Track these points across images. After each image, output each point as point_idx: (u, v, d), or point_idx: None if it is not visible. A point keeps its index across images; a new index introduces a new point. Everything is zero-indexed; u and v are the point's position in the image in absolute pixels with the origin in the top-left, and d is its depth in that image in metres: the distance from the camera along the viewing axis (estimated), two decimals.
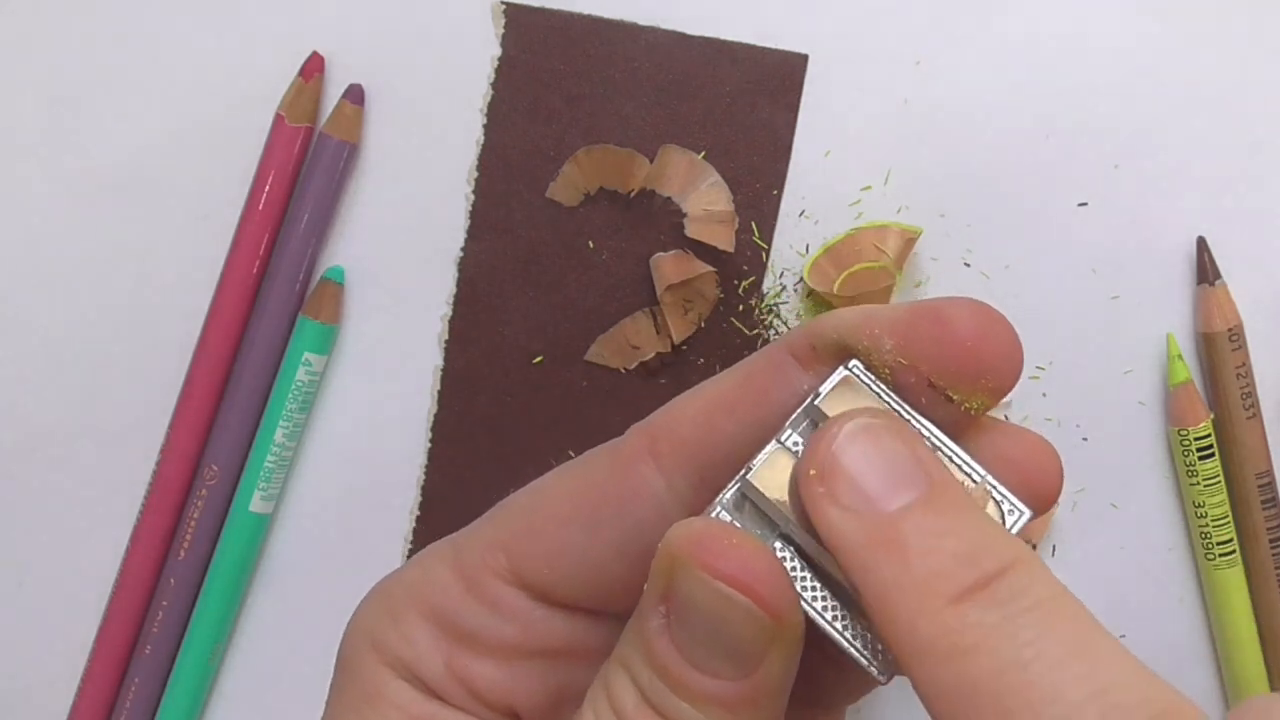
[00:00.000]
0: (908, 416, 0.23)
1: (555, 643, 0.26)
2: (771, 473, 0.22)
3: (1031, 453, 0.24)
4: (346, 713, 0.26)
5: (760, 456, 0.22)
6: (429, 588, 0.26)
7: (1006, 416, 0.44)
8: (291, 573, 0.45)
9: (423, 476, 0.45)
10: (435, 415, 0.45)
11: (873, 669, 0.22)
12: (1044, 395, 0.44)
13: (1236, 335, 0.43)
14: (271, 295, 0.43)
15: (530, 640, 0.26)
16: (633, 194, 0.44)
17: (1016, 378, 0.23)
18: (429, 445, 0.45)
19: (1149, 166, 0.44)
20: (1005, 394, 0.23)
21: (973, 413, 0.23)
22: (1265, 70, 0.43)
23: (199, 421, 0.44)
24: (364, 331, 0.45)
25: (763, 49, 0.44)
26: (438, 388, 0.45)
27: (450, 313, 0.44)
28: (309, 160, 0.44)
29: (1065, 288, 0.44)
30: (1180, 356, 0.43)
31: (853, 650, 0.22)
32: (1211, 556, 0.43)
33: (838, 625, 0.22)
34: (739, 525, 0.23)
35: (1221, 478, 0.43)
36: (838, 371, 0.23)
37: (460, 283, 0.44)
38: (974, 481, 0.23)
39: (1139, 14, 0.44)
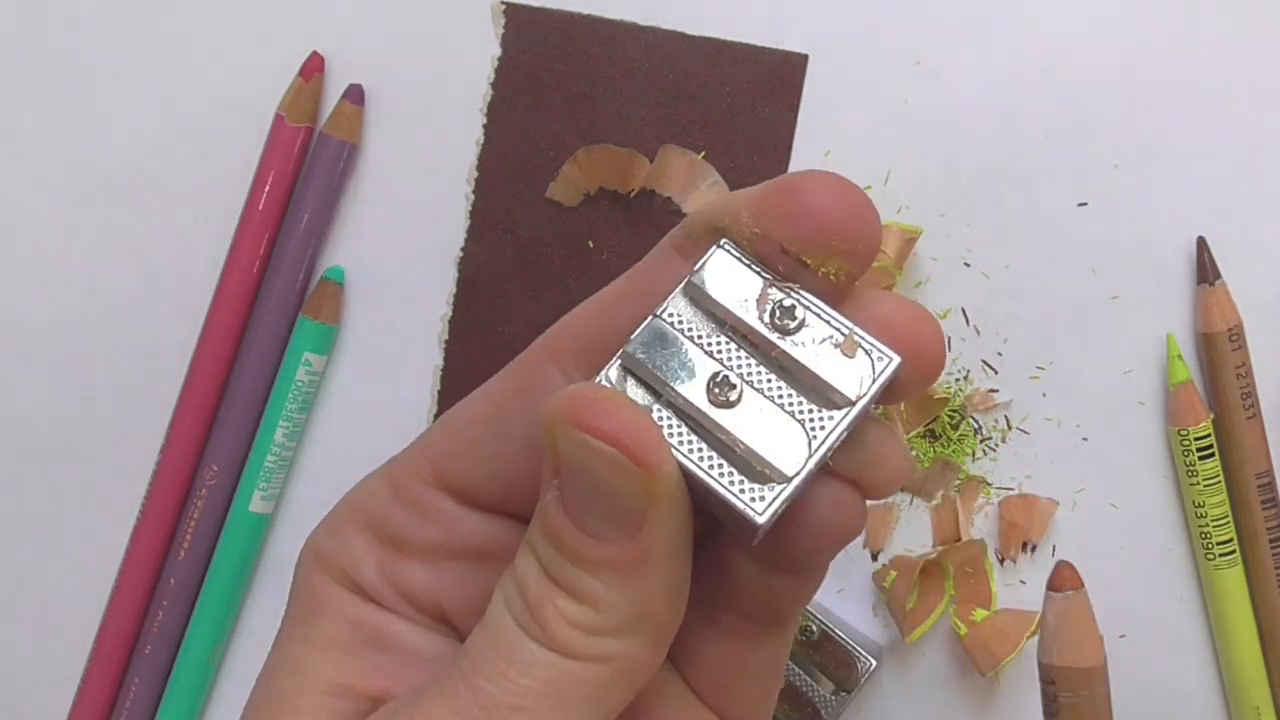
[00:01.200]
0: (776, 281, 0.24)
1: (479, 543, 0.27)
2: None
3: (907, 315, 0.24)
4: (292, 624, 0.27)
5: (639, 330, 0.24)
6: (364, 500, 0.28)
7: (1007, 417, 0.44)
8: (291, 573, 0.45)
9: None
10: (435, 415, 0.45)
11: (749, 512, 0.23)
12: (1044, 395, 0.44)
13: (1236, 335, 0.43)
14: (271, 295, 0.43)
15: (454, 540, 0.27)
16: (633, 194, 0.44)
17: (871, 241, 0.23)
18: None
19: (1149, 166, 0.44)
20: (864, 259, 0.24)
21: (833, 278, 0.24)
22: (1265, 70, 0.43)
23: (199, 421, 0.44)
24: (364, 331, 0.45)
25: (763, 49, 0.44)
26: (438, 388, 0.45)
27: (450, 313, 0.44)
28: (309, 160, 0.44)
29: (1065, 288, 0.44)
30: (1180, 356, 0.43)
31: (729, 495, 0.23)
32: (1211, 556, 0.43)
33: (714, 474, 0.23)
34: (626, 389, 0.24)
35: (1221, 478, 0.43)
36: (710, 250, 0.24)
37: (460, 283, 0.44)
38: (842, 335, 0.24)
39: (1139, 14, 0.44)
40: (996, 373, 0.44)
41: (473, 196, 0.44)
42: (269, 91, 0.44)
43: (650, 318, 0.24)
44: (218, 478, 0.44)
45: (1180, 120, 0.44)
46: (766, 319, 0.24)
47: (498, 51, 0.44)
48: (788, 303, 0.24)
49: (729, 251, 0.24)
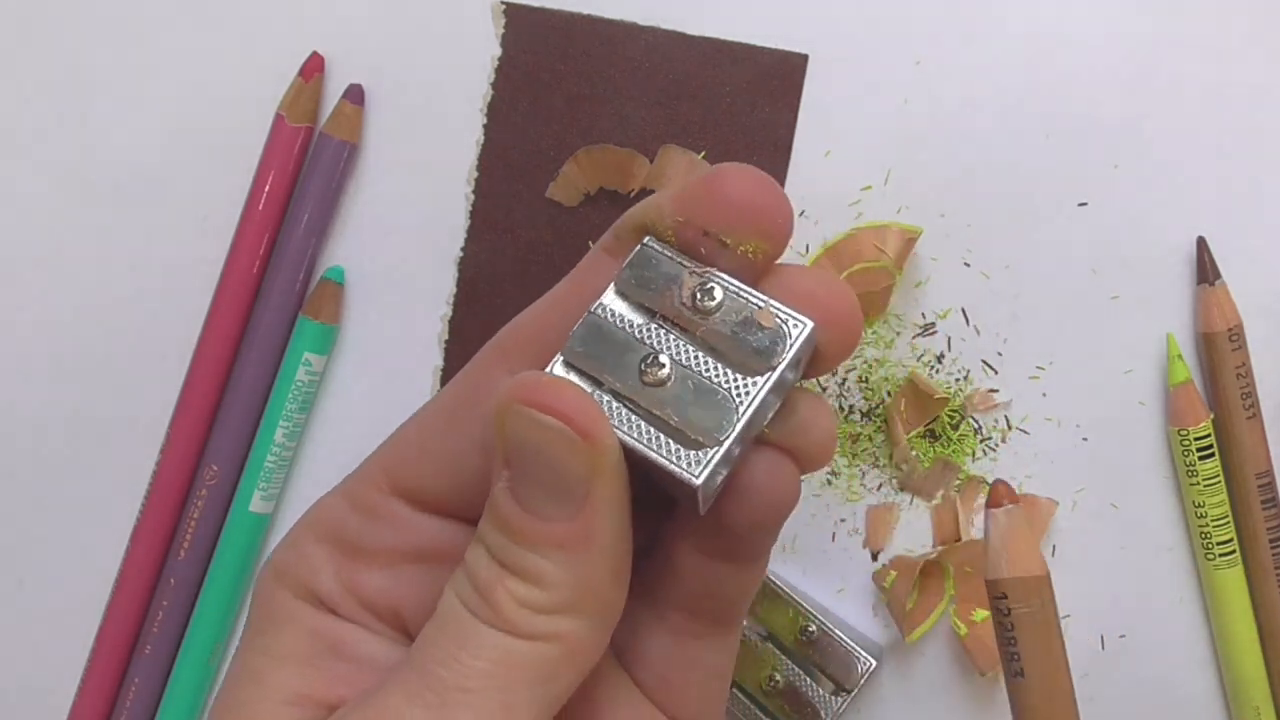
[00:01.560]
0: (696, 268, 0.26)
1: (434, 546, 0.27)
2: None
3: (822, 286, 0.26)
4: (252, 635, 0.28)
5: (576, 327, 0.26)
6: (322, 512, 0.28)
7: (1007, 417, 0.44)
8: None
9: None
10: None
11: (686, 475, 0.25)
12: (1044, 395, 0.44)
13: (1236, 335, 0.43)
14: (271, 295, 0.43)
15: (409, 544, 0.28)
16: (633, 194, 0.44)
17: (783, 220, 0.26)
18: None
19: (1149, 166, 0.44)
20: (778, 237, 0.26)
21: (752, 255, 0.26)
22: (1265, 70, 0.43)
23: (199, 421, 0.44)
24: (364, 331, 0.45)
25: (763, 49, 0.44)
26: (438, 388, 0.45)
27: (450, 313, 0.44)
28: (309, 160, 0.44)
29: (1065, 288, 0.44)
30: (1180, 356, 0.43)
31: (666, 462, 0.25)
32: (1211, 556, 0.43)
33: (652, 446, 0.25)
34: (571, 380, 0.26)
35: (1221, 478, 0.43)
36: (635, 247, 0.27)
37: (460, 283, 0.44)
38: (757, 306, 0.26)
39: (1139, 14, 0.44)
40: (996, 373, 0.44)
41: (473, 196, 0.44)
42: (269, 91, 0.44)
43: (586, 315, 0.26)
44: (218, 478, 0.44)
45: (1180, 120, 0.44)
46: (688, 301, 0.26)
47: (498, 51, 0.44)
48: (707, 285, 0.26)
49: (652, 247, 0.27)
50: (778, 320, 0.26)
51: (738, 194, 0.25)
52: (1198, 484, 0.43)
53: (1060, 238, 0.44)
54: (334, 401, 0.45)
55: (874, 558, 0.44)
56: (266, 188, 0.43)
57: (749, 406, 0.25)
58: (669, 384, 0.26)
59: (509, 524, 0.24)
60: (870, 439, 0.44)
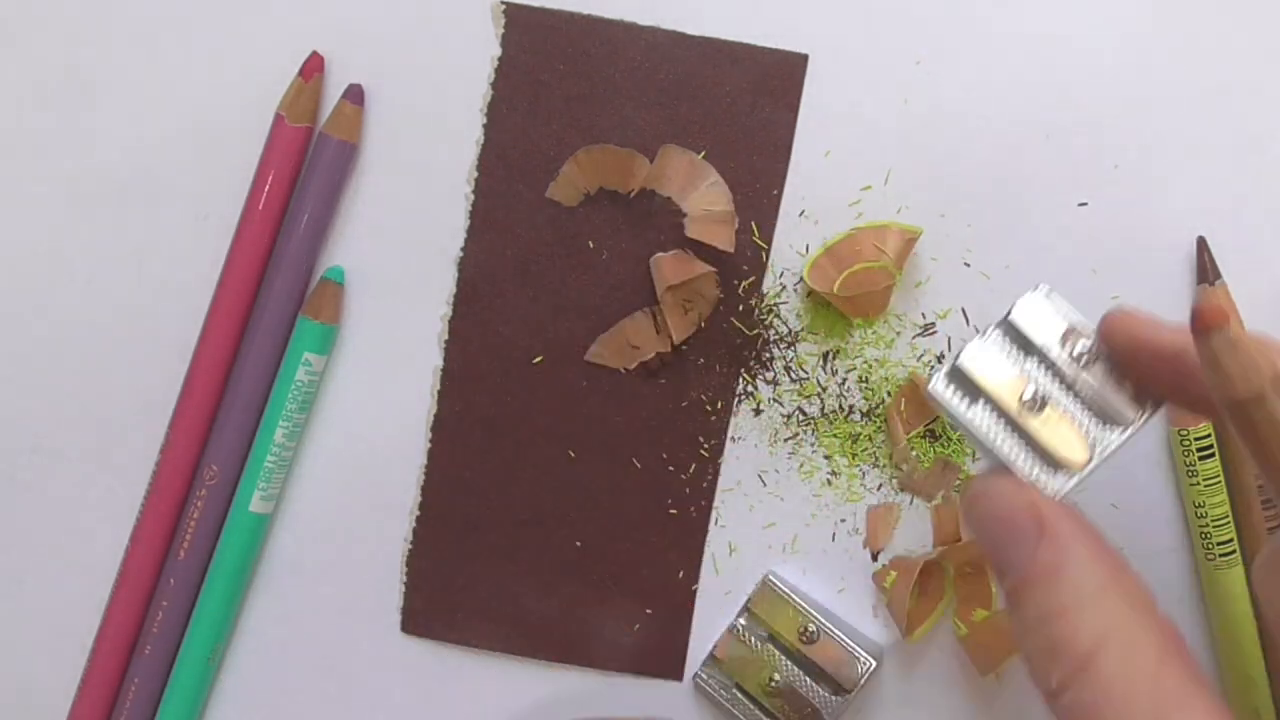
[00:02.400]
0: (1082, 330, 0.33)
1: None
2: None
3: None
4: None
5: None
6: None
7: None
8: (291, 573, 0.45)
9: (423, 476, 0.45)
10: (435, 415, 0.45)
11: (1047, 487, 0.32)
12: None
13: None
14: (271, 295, 0.43)
15: None
16: (633, 194, 0.44)
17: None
18: (429, 445, 0.45)
19: (1149, 166, 0.44)
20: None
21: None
22: (1265, 70, 0.43)
23: (199, 421, 0.44)
24: (364, 331, 0.45)
25: (763, 49, 0.44)
26: (438, 388, 0.45)
27: (450, 313, 0.44)
28: (309, 160, 0.44)
29: (1065, 288, 0.44)
30: None
31: (1020, 473, 0.32)
32: (1212, 556, 0.43)
33: (1011, 458, 0.32)
34: (950, 393, 0.33)
35: (1222, 478, 0.43)
36: (1027, 293, 0.33)
37: (460, 283, 0.44)
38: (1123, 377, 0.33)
39: (1139, 14, 0.44)
40: None
41: (473, 196, 0.44)
42: (269, 91, 0.44)
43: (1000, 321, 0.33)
44: (218, 478, 0.44)
45: (1180, 120, 0.44)
46: (1068, 355, 0.33)
47: (498, 51, 0.44)
48: (1087, 344, 0.33)
49: (1045, 298, 0.33)
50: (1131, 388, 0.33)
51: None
52: (1198, 484, 0.43)
53: (1060, 238, 0.44)
54: (334, 401, 0.45)
55: (874, 558, 0.44)
56: (266, 188, 0.43)
57: (1105, 454, 0.32)
58: (1044, 413, 0.32)
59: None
60: (870, 439, 0.44)
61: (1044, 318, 0.33)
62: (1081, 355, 0.33)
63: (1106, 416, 0.33)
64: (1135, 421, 0.32)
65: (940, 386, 0.33)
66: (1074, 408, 0.33)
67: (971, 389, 0.33)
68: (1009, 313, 0.33)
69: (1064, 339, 0.33)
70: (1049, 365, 0.33)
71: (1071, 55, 0.44)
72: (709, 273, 0.43)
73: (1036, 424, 0.32)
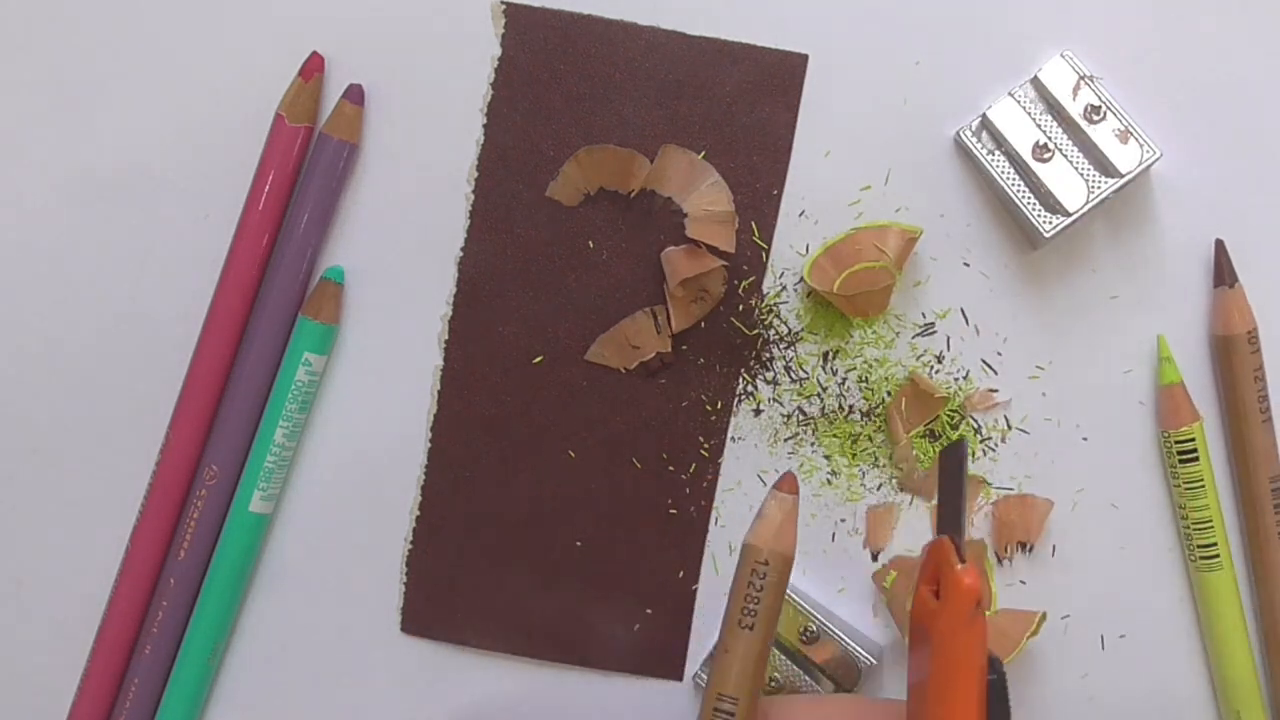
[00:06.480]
0: (1092, 84, 0.41)
1: None
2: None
3: None
4: None
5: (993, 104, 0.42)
6: None
7: (1006, 417, 0.44)
8: (291, 573, 0.45)
9: (423, 476, 0.45)
10: (435, 415, 0.45)
11: (1041, 226, 0.41)
12: (1044, 395, 0.44)
13: (1254, 338, 0.42)
14: (271, 295, 0.43)
15: None
16: (633, 194, 0.44)
17: None
18: (429, 445, 0.45)
19: (1155, 167, 0.44)
20: None
21: None
22: (1271, 70, 0.43)
23: (199, 421, 0.44)
24: (364, 331, 0.45)
25: (763, 49, 0.44)
26: (438, 388, 0.45)
27: (450, 313, 0.45)
28: (309, 160, 0.44)
29: (1065, 288, 0.44)
30: (1170, 358, 0.43)
31: (1027, 213, 0.41)
32: (1194, 559, 0.43)
33: (1021, 198, 0.41)
34: (977, 141, 0.42)
35: (1205, 482, 0.43)
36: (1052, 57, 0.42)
37: (460, 283, 0.44)
38: (1123, 127, 0.40)
39: (1141, 14, 0.44)
40: (996, 373, 0.44)
41: (473, 196, 0.44)
42: (269, 91, 0.44)
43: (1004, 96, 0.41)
44: (217, 478, 0.44)
45: (1185, 120, 0.44)
46: (1080, 110, 0.40)
47: (498, 51, 0.44)
48: (1096, 102, 0.40)
49: (1067, 60, 0.41)
50: (1134, 140, 0.40)
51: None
52: (1179, 487, 0.43)
53: (1060, 238, 0.44)
54: (334, 401, 0.45)
55: (874, 558, 0.44)
56: (266, 188, 0.43)
57: (1099, 197, 0.40)
58: (1051, 162, 0.40)
59: None
60: (870, 439, 0.44)
61: (1065, 77, 0.40)
62: (1089, 110, 0.40)
63: (1105, 168, 0.40)
64: (1128, 174, 0.40)
65: (969, 135, 0.41)
66: (1079, 158, 0.40)
67: (993, 140, 0.41)
68: (1038, 72, 0.41)
69: (1075, 91, 0.40)
70: (1064, 121, 0.40)
71: (1074, 55, 0.44)
72: (719, 267, 0.43)
73: (1044, 171, 0.40)
